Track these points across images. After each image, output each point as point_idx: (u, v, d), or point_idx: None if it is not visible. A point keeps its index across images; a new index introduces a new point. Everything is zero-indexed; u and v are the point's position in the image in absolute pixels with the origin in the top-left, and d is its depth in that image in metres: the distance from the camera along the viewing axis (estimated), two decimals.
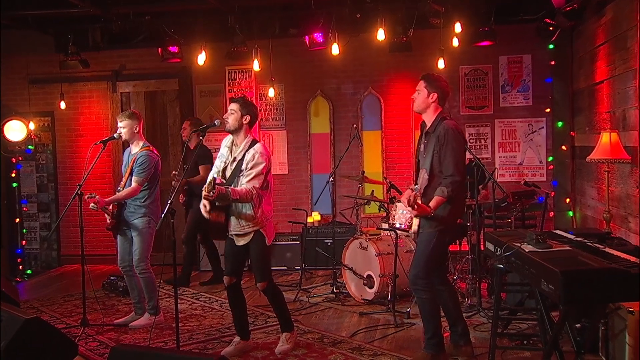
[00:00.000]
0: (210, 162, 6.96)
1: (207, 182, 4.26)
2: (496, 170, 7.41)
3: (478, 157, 6.09)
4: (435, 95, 4.34)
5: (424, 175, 4.26)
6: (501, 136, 8.07)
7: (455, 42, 7.25)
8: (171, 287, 6.98)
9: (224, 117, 4.67)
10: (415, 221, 4.31)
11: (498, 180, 6.81)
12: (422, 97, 4.36)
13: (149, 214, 5.54)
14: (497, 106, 8.07)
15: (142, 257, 5.52)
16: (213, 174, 4.68)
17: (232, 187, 4.46)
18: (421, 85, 4.37)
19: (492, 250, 4.24)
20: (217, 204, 4.46)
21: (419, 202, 4.11)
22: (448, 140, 4.20)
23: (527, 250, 3.60)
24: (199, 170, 6.96)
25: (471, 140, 8.06)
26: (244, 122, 4.61)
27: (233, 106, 4.63)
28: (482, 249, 5.47)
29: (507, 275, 5.06)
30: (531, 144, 7.99)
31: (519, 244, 3.71)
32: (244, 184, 4.48)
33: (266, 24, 7.81)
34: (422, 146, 4.42)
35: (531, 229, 5.38)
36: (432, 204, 4.16)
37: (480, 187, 6.23)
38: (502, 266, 3.97)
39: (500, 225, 6.41)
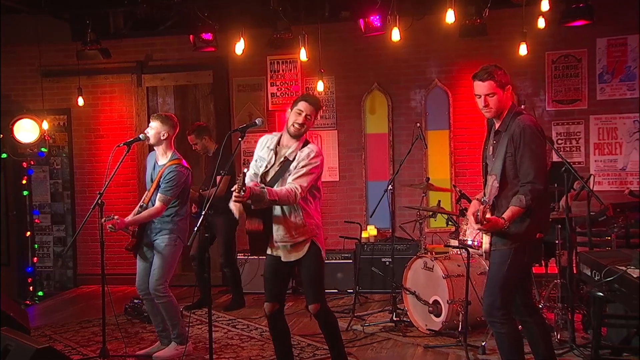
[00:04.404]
0: (230, 173, 7.02)
1: (238, 180, 4.21)
2: (592, 177, 7.22)
3: (568, 160, 5.95)
4: (510, 88, 4.24)
5: (493, 184, 4.16)
6: (598, 136, 7.91)
7: (540, 23, 7.14)
8: (223, 313, 7.16)
9: (294, 120, 4.58)
10: (486, 238, 4.19)
11: (594, 189, 6.64)
12: (499, 98, 4.19)
13: (176, 231, 5.59)
14: (592, 99, 7.92)
15: (161, 278, 5.54)
16: (249, 175, 4.70)
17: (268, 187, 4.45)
18: (492, 85, 4.18)
19: (589, 274, 4.14)
20: (252, 207, 4.43)
21: (489, 216, 4.00)
22: (526, 140, 4.09)
23: (635, 276, 3.49)
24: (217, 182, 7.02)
25: (559, 141, 7.93)
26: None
27: (308, 110, 4.59)
28: (575, 272, 5.34)
29: (607, 305, 4.90)
30: (637, 145, 7.79)
31: (623, 268, 3.60)
32: (289, 181, 4.47)
33: (314, 6, 7.84)
34: (491, 148, 4.33)
35: (639, 250, 5.20)
36: (506, 214, 4.06)
37: (570, 194, 6.09)
38: (601, 294, 3.86)
39: (598, 244, 6.24)
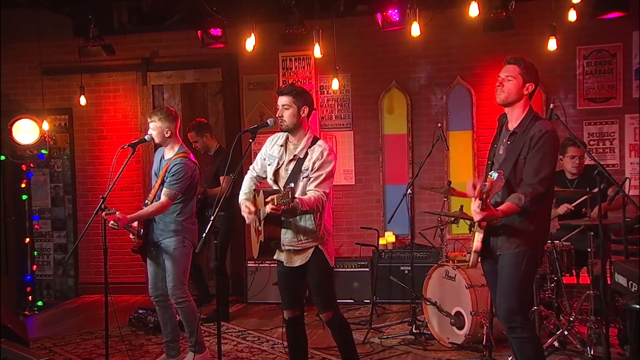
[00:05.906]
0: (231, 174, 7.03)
1: (282, 192, 4.24)
2: (627, 180, 7.15)
3: (601, 163, 5.88)
4: (532, 86, 4.26)
5: (498, 176, 4.11)
6: (634, 136, 7.86)
7: (571, 16, 7.12)
8: (232, 325, 7.14)
9: (277, 115, 4.69)
10: (478, 236, 4.16)
11: (630, 194, 6.58)
12: (516, 85, 4.25)
13: (182, 232, 5.59)
14: (628, 97, 7.85)
15: (177, 283, 5.56)
16: (251, 177, 4.80)
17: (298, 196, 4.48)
18: (515, 70, 4.26)
19: (625, 285, 4.07)
20: (282, 218, 4.50)
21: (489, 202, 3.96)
22: (541, 144, 4.10)
23: None
24: (219, 181, 7.00)
25: (591, 142, 7.88)
26: (303, 115, 4.64)
27: (284, 100, 4.64)
28: (609, 282, 5.29)
29: None
30: None
31: None
32: (311, 189, 4.49)
33: (329, 0, 7.79)
34: (503, 148, 4.32)
35: None
36: (502, 208, 4.05)
37: (606, 200, 6.02)
38: (639, 306, 3.78)
39: (634, 253, 6.16)
